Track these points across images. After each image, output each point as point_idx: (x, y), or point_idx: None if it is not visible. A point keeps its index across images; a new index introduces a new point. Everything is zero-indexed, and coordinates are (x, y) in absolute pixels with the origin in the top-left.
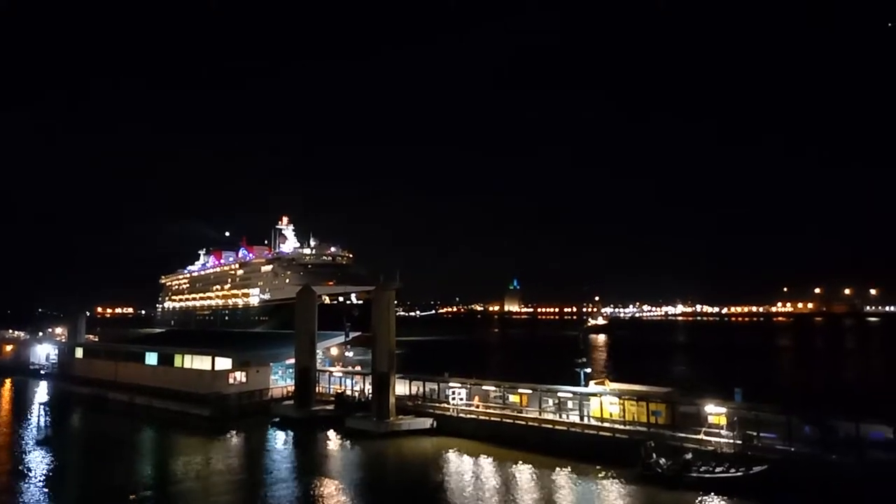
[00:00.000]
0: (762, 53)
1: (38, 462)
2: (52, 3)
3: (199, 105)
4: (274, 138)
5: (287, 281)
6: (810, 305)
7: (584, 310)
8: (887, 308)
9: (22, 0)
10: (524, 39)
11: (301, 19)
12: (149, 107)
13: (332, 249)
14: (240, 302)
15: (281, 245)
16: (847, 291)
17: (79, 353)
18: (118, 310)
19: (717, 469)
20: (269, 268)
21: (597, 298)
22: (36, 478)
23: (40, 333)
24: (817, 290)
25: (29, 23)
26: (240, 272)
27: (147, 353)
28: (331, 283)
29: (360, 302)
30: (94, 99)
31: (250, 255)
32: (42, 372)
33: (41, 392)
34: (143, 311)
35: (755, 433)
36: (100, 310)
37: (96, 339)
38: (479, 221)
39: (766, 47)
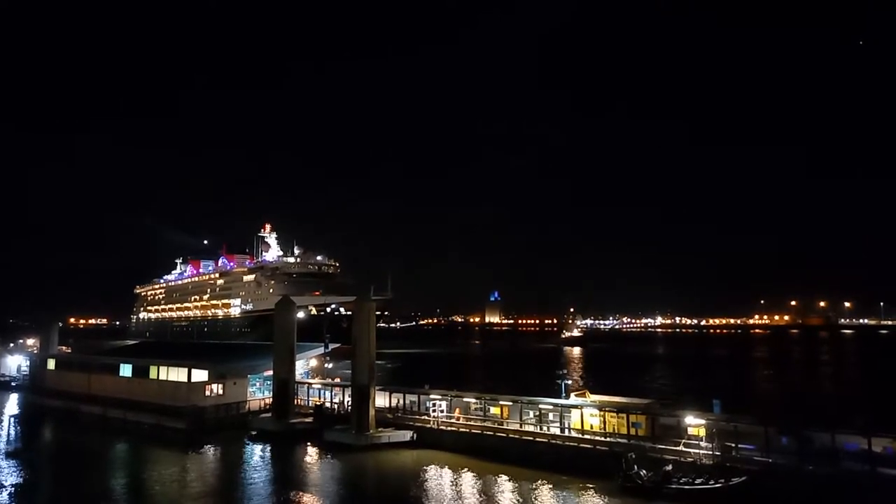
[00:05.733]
0: (752, 57)
1: (7, 475)
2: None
3: (174, 110)
4: (248, 146)
5: (271, 291)
6: (786, 318)
7: (566, 321)
8: (861, 321)
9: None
10: (492, 51)
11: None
12: (126, 111)
13: (318, 258)
14: (220, 312)
15: (264, 253)
16: (822, 304)
17: (51, 364)
18: (92, 321)
19: (697, 480)
20: (251, 277)
21: (571, 310)
22: (5, 491)
23: (11, 344)
24: (793, 303)
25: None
26: (220, 281)
27: (121, 365)
28: (317, 293)
29: (350, 313)
30: (66, 102)
31: (231, 263)
32: (13, 384)
33: (12, 404)
34: (118, 322)
35: (734, 444)
36: (73, 320)
37: (69, 351)
38: (459, 232)
39: (754, 51)
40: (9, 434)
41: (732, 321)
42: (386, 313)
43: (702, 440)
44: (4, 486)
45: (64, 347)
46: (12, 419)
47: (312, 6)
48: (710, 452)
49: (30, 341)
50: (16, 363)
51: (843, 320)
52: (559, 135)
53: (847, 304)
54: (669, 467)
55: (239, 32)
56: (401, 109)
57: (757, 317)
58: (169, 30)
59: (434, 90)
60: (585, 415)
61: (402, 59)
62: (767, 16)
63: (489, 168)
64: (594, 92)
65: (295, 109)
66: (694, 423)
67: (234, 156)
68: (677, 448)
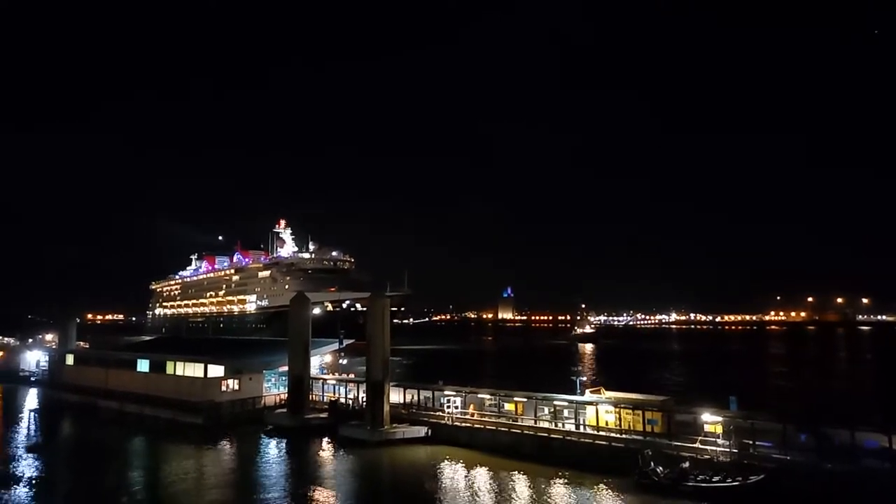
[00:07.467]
0: (757, 51)
1: (27, 469)
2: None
3: (187, 109)
4: (259, 144)
5: (286, 287)
6: (803, 314)
7: (578, 317)
8: (879, 317)
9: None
10: (503, 47)
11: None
12: (138, 110)
13: (333, 254)
14: (235, 309)
15: (279, 249)
16: (839, 300)
17: (69, 360)
18: (109, 316)
19: (715, 478)
20: (266, 273)
21: (583, 306)
22: (25, 485)
23: (30, 340)
24: (810, 300)
25: (23, 23)
26: (235, 278)
27: (138, 361)
28: (332, 289)
29: (365, 309)
30: (83, 101)
31: (246, 259)
32: (32, 379)
33: (31, 399)
34: (134, 318)
35: (751, 442)
36: (90, 316)
37: (87, 347)
38: (472, 227)
39: (760, 45)
40: (28, 428)
41: (748, 318)
42: (402, 308)
43: (718, 437)
44: (25, 480)
45: (82, 343)
46: (32, 413)
47: (313, 6)
48: (728, 450)
49: (48, 337)
50: (35, 358)
51: (860, 317)
52: (566, 132)
53: (864, 301)
54: (686, 464)
55: (240, 33)
56: (404, 109)
57: (773, 313)
58: (172, 35)
59: (436, 89)
60: (601, 411)
61: (402, 59)
62: (767, 16)
63: (499, 166)
64: (596, 90)
65: (298, 110)
66: (710, 420)
67: (237, 155)
68: (694, 445)
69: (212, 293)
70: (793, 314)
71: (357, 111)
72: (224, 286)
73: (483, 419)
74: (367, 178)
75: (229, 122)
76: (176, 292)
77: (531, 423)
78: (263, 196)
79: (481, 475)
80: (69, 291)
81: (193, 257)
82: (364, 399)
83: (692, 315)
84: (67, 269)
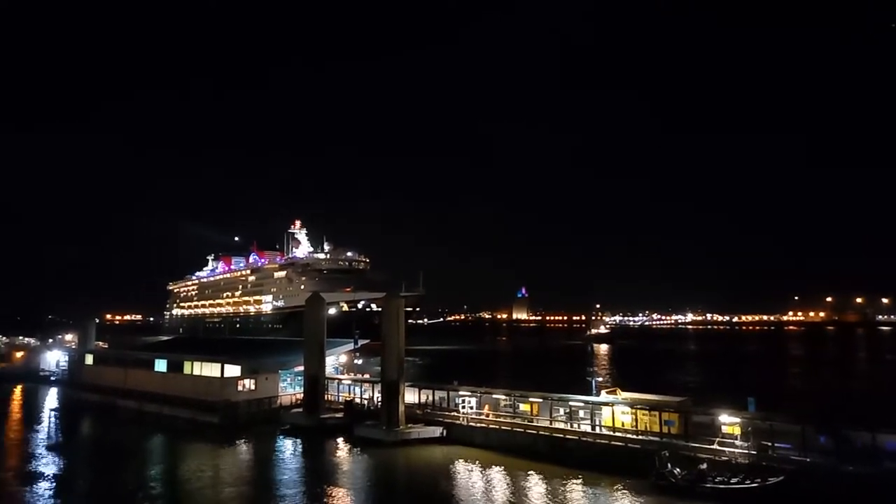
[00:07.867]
0: (757, 51)
1: (47, 467)
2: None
3: (187, 109)
4: (259, 144)
5: (302, 287)
6: (822, 314)
7: (593, 318)
8: None
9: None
10: (512, 47)
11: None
12: (153, 111)
13: (349, 254)
14: (252, 309)
15: (294, 250)
16: (859, 300)
17: (88, 359)
18: (127, 317)
19: (733, 480)
20: (282, 273)
21: (598, 306)
22: (45, 483)
23: (50, 340)
24: (829, 300)
25: (24, 23)
26: (251, 278)
27: (156, 361)
28: (348, 289)
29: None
30: (83, 101)
31: (262, 260)
32: (52, 378)
33: (51, 398)
34: (152, 319)
35: (770, 443)
36: (109, 317)
37: (106, 347)
38: (487, 227)
39: (760, 45)
40: (49, 427)
41: (766, 318)
42: (417, 309)
43: (737, 439)
44: (45, 478)
45: (101, 343)
46: (52, 413)
47: (313, 6)
48: (746, 451)
49: (68, 337)
50: (55, 358)
51: (880, 317)
52: (566, 132)
53: (885, 301)
54: (704, 466)
55: (240, 33)
56: (404, 110)
57: (791, 313)
58: (172, 35)
59: (436, 89)
60: (617, 412)
61: (402, 59)
62: (767, 16)
63: (499, 166)
64: (596, 90)
65: (298, 110)
66: (728, 422)
67: (237, 155)
68: (712, 447)
69: (228, 293)
70: (812, 314)
71: (357, 111)
72: (240, 286)
73: (498, 419)
74: (367, 178)
75: (229, 122)
76: (193, 293)
77: (546, 423)
78: (263, 196)
79: (496, 475)
80: (69, 291)
81: (210, 258)
82: (379, 399)
83: (709, 315)
84: (67, 269)
